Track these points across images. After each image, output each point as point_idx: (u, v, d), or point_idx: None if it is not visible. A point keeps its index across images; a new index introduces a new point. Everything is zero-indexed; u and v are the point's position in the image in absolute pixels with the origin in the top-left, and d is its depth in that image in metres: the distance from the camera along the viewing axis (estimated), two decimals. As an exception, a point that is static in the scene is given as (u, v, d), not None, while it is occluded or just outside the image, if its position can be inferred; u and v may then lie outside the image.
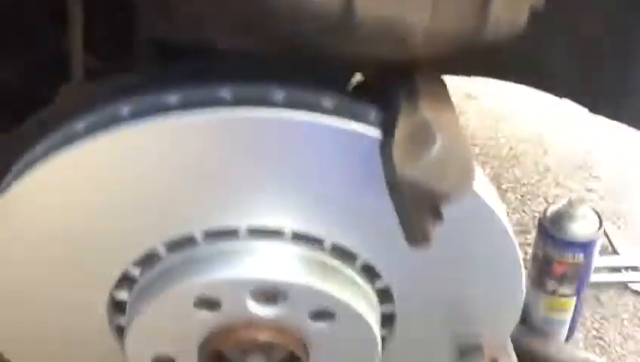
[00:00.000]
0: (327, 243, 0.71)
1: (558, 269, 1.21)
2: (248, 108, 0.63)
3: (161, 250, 0.72)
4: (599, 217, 1.19)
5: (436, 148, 0.57)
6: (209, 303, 0.72)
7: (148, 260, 0.72)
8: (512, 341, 1.28)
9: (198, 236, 0.71)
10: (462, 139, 0.59)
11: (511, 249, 0.74)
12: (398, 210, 0.59)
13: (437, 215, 0.59)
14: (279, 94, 0.64)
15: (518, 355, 1.28)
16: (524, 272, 0.78)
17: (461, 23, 0.59)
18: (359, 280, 0.73)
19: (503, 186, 1.73)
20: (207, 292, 0.71)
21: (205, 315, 0.72)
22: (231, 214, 0.69)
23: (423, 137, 0.58)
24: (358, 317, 0.72)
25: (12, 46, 0.83)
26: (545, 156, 1.83)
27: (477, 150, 1.85)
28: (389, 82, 0.65)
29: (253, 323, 0.72)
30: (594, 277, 1.45)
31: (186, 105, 0.64)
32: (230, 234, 0.70)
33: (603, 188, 1.71)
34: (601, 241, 1.20)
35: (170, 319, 0.72)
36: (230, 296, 0.71)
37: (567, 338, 1.32)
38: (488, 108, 2.01)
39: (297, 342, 0.73)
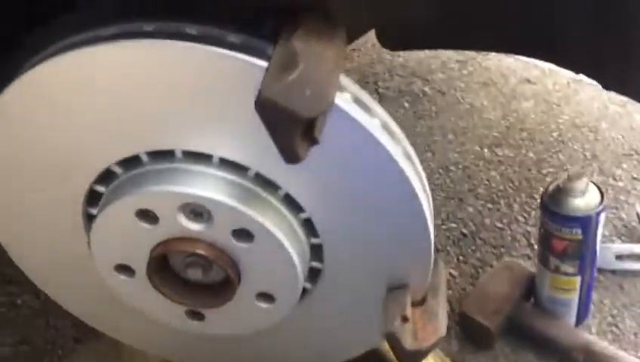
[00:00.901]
0: (251, 172, 0.79)
1: (558, 245, 1.19)
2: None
3: (116, 169, 0.82)
4: (601, 193, 1.16)
5: (295, 72, 0.64)
6: (149, 216, 0.81)
7: (108, 177, 0.83)
8: (517, 318, 1.29)
9: (144, 156, 0.80)
10: (324, 69, 0.65)
11: (398, 176, 0.77)
12: (268, 130, 0.65)
13: (310, 137, 0.65)
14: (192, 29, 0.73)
15: (522, 332, 1.28)
16: (425, 204, 0.80)
17: None
18: (281, 208, 0.80)
19: (544, 171, 1.70)
20: (143, 204, 0.79)
21: (147, 228, 0.81)
22: (168, 138, 0.78)
23: (287, 64, 0.65)
24: (275, 240, 0.79)
25: None
26: (594, 143, 1.77)
27: (524, 134, 1.83)
28: (283, 22, 0.71)
29: (188, 237, 0.80)
30: (621, 265, 1.41)
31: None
32: (168, 156, 0.79)
33: (649, 177, 1.64)
34: (601, 218, 1.17)
35: (120, 230, 0.82)
36: (163, 209, 0.79)
37: (578, 323, 1.29)
38: (545, 94, 1.97)
39: (228, 261, 0.80)
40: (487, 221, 1.58)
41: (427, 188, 0.86)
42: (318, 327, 0.93)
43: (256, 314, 0.87)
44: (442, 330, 0.86)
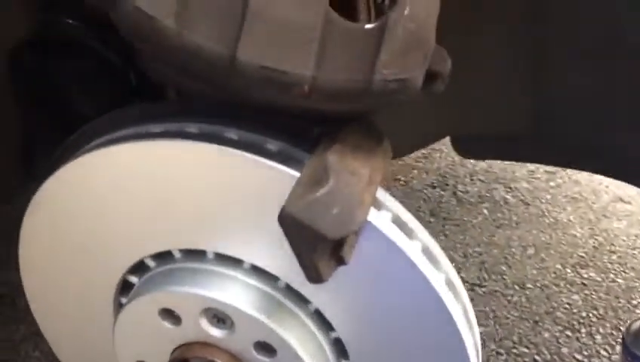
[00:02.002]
0: (281, 283, 0.73)
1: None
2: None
3: (150, 262, 0.78)
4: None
5: (324, 189, 0.58)
6: (172, 316, 0.76)
7: (141, 269, 0.79)
8: None
9: (176, 253, 0.76)
10: (357, 187, 0.59)
11: (437, 306, 0.69)
12: (290, 247, 0.60)
13: (337, 257, 0.59)
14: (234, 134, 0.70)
15: None
16: (468, 340, 0.70)
17: (348, 75, 0.60)
18: (309, 324, 0.73)
19: (634, 301, 1.54)
20: (167, 303, 0.75)
21: (169, 328, 0.76)
22: (201, 238, 0.74)
23: (317, 179, 0.59)
24: (298, 359, 0.71)
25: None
26: (694, 276, 1.59)
27: (614, 257, 1.67)
28: (324, 132, 0.67)
29: (210, 343, 0.74)
30: None
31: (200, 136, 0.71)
32: (200, 256, 0.75)
33: None
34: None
35: (143, 326, 0.77)
36: (186, 310, 0.74)
37: None
38: (638, 215, 1.82)
39: None
40: (565, 350, 1.42)
41: (474, 322, 0.76)
42: None
43: None
44: None
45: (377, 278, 0.69)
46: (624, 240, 1.73)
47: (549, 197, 1.92)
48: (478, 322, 1.47)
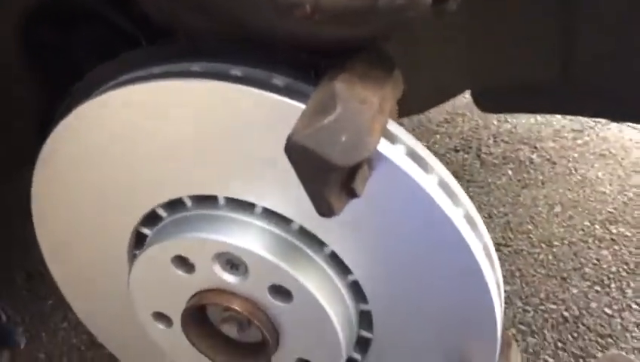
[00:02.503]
0: (295, 225, 0.72)
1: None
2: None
3: (161, 212, 0.77)
4: None
5: (331, 116, 0.56)
6: (185, 264, 0.75)
7: (154, 220, 0.79)
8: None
9: (187, 201, 0.75)
10: (366, 114, 0.57)
11: (456, 241, 0.67)
12: (298, 178, 0.58)
13: (349, 190, 0.57)
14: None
15: None
16: (489, 275, 0.68)
17: None
18: (325, 267, 0.71)
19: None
20: (179, 251, 0.74)
21: (183, 276, 0.75)
22: (211, 183, 0.72)
23: (325, 107, 0.57)
24: (314, 301, 0.70)
25: None
26: None
27: (644, 212, 1.62)
28: (331, 64, 0.64)
29: (226, 290, 0.74)
30: None
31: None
32: (212, 202, 0.74)
33: None
34: None
35: (157, 276, 0.77)
36: (198, 257, 0.73)
37: None
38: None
39: (264, 319, 0.72)
40: (594, 305, 1.38)
41: (495, 258, 0.73)
42: None
43: None
44: None
45: (393, 214, 0.68)
46: (653, 191, 1.68)
47: (576, 155, 1.87)
48: (504, 281, 1.46)
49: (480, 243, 0.69)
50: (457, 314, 0.71)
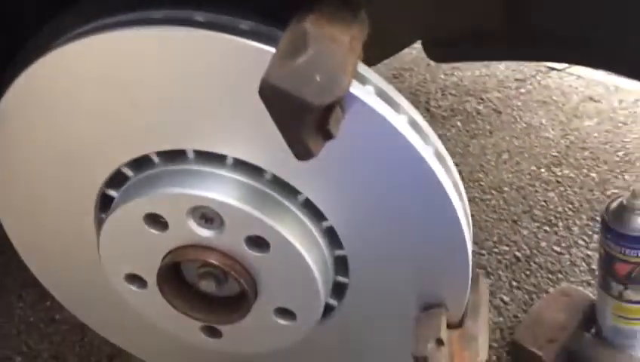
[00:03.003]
0: (268, 175, 0.72)
1: (622, 269, 1.07)
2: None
3: (127, 171, 0.77)
4: (669, 210, 1.04)
5: (304, 56, 0.56)
6: (158, 221, 0.75)
7: (119, 180, 0.78)
8: (575, 349, 1.17)
9: (154, 157, 0.74)
10: (338, 53, 0.58)
11: (428, 178, 0.69)
12: (274, 121, 0.59)
13: (324, 131, 0.58)
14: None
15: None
16: (460, 211, 0.71)
17: None
18: (300, 215, 0.73)
19: (608, 192, 1.58)
20: (151, 208, 0.74)
21: (157, 234, 0.75)
22: (178, 137, 0.71)
23: (296, 48, 0.57)
24: (292, 250, 0.72)
25: None
26: (664, 163, 1.64)
27: (586, 153, 1.71)
28: (297, 6, 0.65)
29: (201, 245, 0.74)
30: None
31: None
32: (180, 157, 0.73)
33: None
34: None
35: (129, 236, 0.77)
36: (172, 213, 0.73)
37: (646, 356, 1.16)
38: (610, 112, 1.84)
39: (242, 271, 0.74)
40: (544, 244, 1.46)
41: (464, 195, 0.77)
42: (343, 348, 0.85)
43: (275, 331, 0.80)
44: (482, 356, 0.77)
45: (365, 155, 0.69)
46: (595, 137, 1.76)
47: (519, 104, 1.94)
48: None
49: (450, 179, 0.72)
50: (431, 251, 0.74)
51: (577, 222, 1.50)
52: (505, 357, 1.21)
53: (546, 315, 1.20)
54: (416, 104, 1.99)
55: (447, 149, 1.80)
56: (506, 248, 1.45)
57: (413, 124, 0.71)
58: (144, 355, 0.99)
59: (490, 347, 1.24)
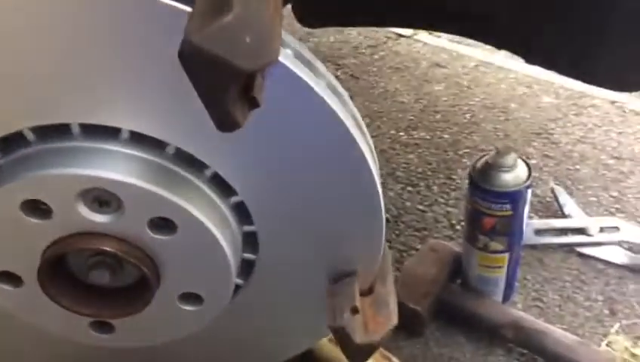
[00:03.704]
0: (170, 148, 0.66)
1: (488, 223, 1.17)
2: None
3: None
4: (528, 167, 1.15)
5: (232, 15, 0.50)
6: (38, 209, 0.67)
7: None
8: (446, 300, 1.26)
9: (29, 134, 0.65)
10: (267, 13, 0.55)
11: (349, 146, 0.67)
12: (196, 89, 0.54)
13: (249, 99, 0.55)
14: None
15: (451, 314, 1.26)
16: (376, 177, 0.72)
17: None
18: (208, 191, 0.69)
19: (460, 152, 1.70)
20: (29, 194, 0.65)
21: (37, 223, 0.67)
22: (60, 108, 0.63)
23: (218, 6, 0.51)
24: (203, 229, 0.68)
25: None
26: (505, 123, 1.79)
27: (438, 116, 1.82)
28: None
29: (92, 232, 0.67)
30: (540, 239, 1.42)
31: None
32: (62, 132, 0.64)
33: (560, 154, 1.67)
34: (529, 193, 1.16)
35: (3, 227, 0.68)
36: (56, 198, 0.65)
37: (505, 300, 1.28)
38: (455, 77, 1.97)
39: (144, 258, 0.69)
40: (409, 204, 1.55)
41: (376, 158, 0.77)
42: (253, 327, 0.84)
43: (178, 319, 0.76)
44: (394, 320, 0.79)
45: (281, 121, 0.64)
46: (445, 101, 1.88)
47: (375, 69, 2.01)
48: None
49: (367, 145, 0.72)
50: (346, 218, 0.74)
51: (436, 181, 1.61)
52: (384, 312, 1.28)
53: (419, 271, 1.28)
54: (276, 71, 2.00)
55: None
56: (375, 209, 1.52)
57: (332, 87, 0.69)
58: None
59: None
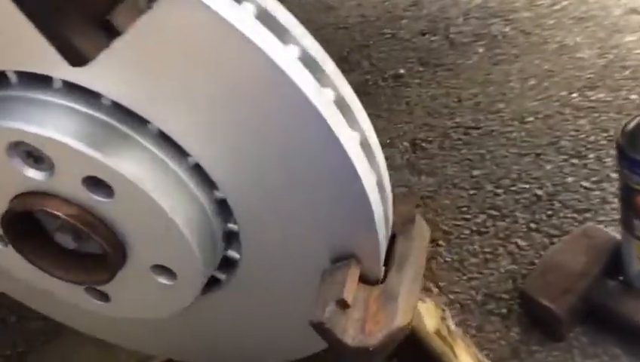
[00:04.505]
0: (106, 100, 0.58)
1: (644, 204, 0.89)
2: None
3: None
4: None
5: None
6: None
7: None
8: (598, 300, 1.01)
9: None
10: None
11: (316, 119, 0.55)
12: (26, 16, 0.43)
13: (105, 25, 0.43)
14: None
15: (604, 318, 1.00)
16: (354, 155, 0.57)
17: None
18: (152, 148, 0.59)
19: None
20: None
21: None
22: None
23: None
24: (143, 195, 0.59)
25: None
26: None
27: (626, 73, 1.49)
28: None
29: (30, 192, 0.62)
30: None
31: None
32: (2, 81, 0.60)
33: None
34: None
35: None
36: None
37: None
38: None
39: (92, 221, 0.62)
40: (570, 179, 1.28)
41: (375, 147, 0.62)
42: (239, 326, 0.74)
43: (158, 291, 0.69)
44: (399, 320, 0.61)
45: (249, 100, 0.56)
46: (638, 53, 1.53)
47: (552, 22, 1.71)
48: (473, 165, 1.34)
49: (357, 132, 0.58)
50: (331, 207, 0.61)
51: (611, 152, 1.31)
52: (517, 310, 1.06)
53: (562, 261, 1.04)
54: (434, 32, 1.81)
55: (466, 79, 1.63)
56: (525, 186, 1.28)
57: (306, 58, 0.56)
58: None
59: (501, 299, 1.09)
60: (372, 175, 0.61)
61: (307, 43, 0.57)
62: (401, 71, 1.65)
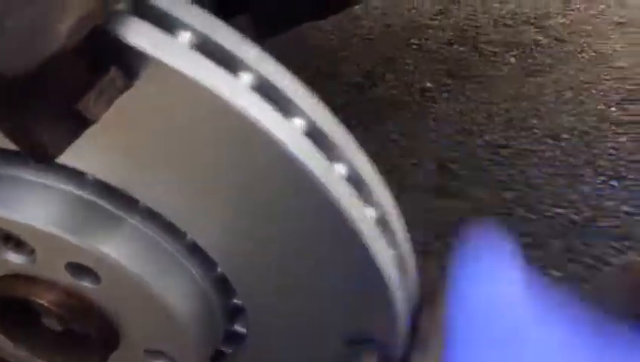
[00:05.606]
0: (90, 176, 0.52)
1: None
2: None
3: None
4: None
5: None
6: None
7: None
8: None
9: None
10: None
11: (310, 184, 0.48)
12: None
13: (74, 114, 0.37)
14: None
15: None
16: (362, 225, 0.50)
17: None
18: (140, 225, 0.53)
19: None
20: None
21: None
22: None
23: None
24: (128, 278, 0.53)
25: None
26: None
27: None
28: None
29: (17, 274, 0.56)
30: None
31: None
32: None
33: None
34: None
35: None
36: None
37: None
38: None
39: (82, 307, 0.56)
40: (610, 203, 1.19)
41: (395, 220, 0.54)
42: None
43: None
44: None
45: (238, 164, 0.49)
46: None
47: (589, 28, 1.62)
48: (505, 187, 1.26)
49: (373, 208, 0.51)
50: (342, 287, 0.55)
51: (654, 172, 1.22)
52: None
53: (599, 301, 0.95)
54: (462, 41, 1.72)
55: (497, 93, 1.54)
56: (561, 211, 1.20)
57: (314, 132, 0.48)
58: None
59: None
60: (390, 254, 0.54)
61: (316, 116, 0.50)
62: (428, 84, 1.57)
